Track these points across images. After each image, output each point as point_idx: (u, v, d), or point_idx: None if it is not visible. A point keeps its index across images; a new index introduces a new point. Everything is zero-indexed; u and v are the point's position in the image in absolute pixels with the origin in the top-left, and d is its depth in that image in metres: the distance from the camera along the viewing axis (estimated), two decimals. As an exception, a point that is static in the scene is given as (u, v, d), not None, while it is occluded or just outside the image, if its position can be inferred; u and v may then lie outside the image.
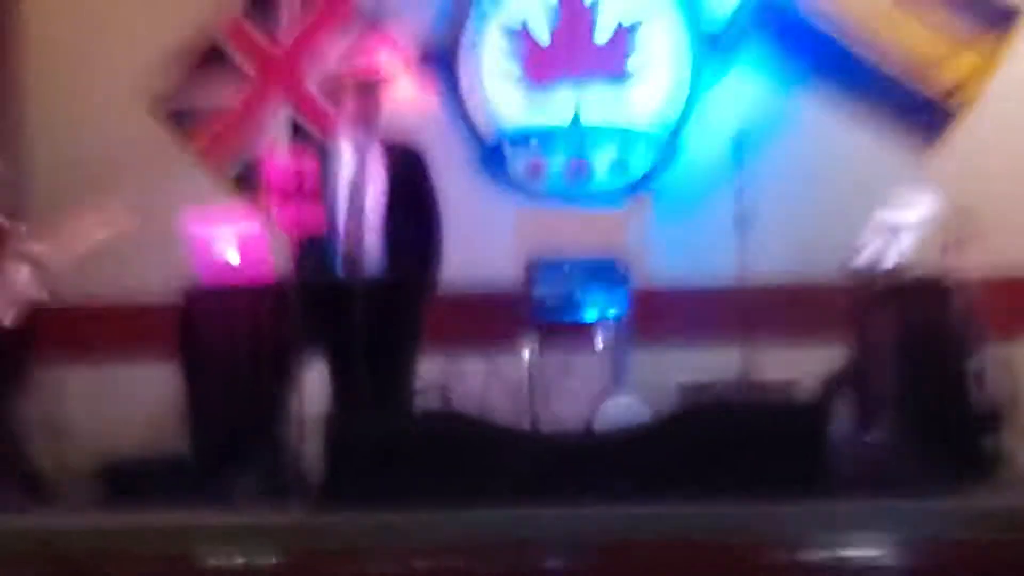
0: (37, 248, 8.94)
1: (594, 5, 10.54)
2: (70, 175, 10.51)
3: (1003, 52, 10.20)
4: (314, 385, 8.64)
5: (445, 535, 7.17)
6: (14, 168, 10.05)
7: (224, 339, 9.02)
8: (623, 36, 10.54)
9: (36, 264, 8.88)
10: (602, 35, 10.54)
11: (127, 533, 7.69)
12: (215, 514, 7.96)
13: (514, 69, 10.61)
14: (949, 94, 10.18)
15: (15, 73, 10.92)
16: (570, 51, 10.58)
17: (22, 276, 8.86)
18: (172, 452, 9.13)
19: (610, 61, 10.53)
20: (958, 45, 10.21)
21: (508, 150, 10.55)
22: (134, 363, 10.00)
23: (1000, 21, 10.17)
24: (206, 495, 8.30)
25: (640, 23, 10.49)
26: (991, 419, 8.54)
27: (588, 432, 8.99)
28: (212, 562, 7.16)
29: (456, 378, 9.63)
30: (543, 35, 10.60)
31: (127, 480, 8.88)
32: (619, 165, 10.46)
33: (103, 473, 8.95)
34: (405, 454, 7.85)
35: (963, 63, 10.21)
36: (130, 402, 10.03)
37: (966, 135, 10.19)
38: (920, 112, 10.18)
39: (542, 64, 10.61)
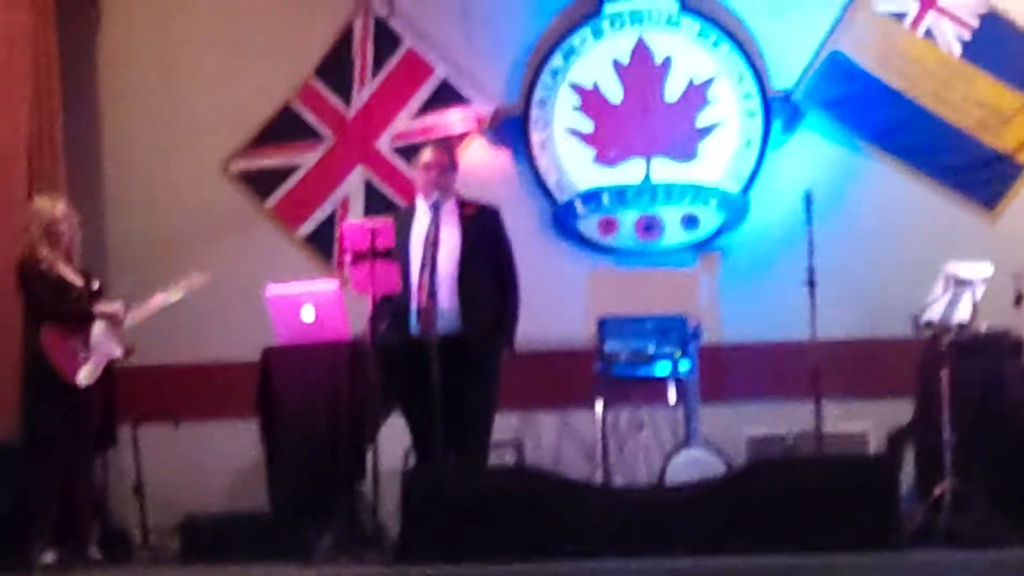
0: (113, 307, 9.06)
1: (665, 63, 10.63)
2: (146, 236, 10.82)
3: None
4: (392, 441, 8.86)
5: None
6: (93, 229, 10.08)
7: (302, 397, 9.24)
8: (693, 93, 10.61)
9: (112, 322, 9.00)
10: (672, 92, 10.61)
11: None
12: (295, 569, 8.26)
13: (585, 127, 10.68)
14: (1018, 150, 10.26)
15: (95, 136, 11.14)
16: (641, 108, 10.63)
17: (98, 333, 8.96)
18: (252, 508, 9.46)
19: (680, 118, 10.59)
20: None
21: (579, 208, 10.62)
22: (213, 421, 10.19)
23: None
24: (286, 550, 8.51)
25: (711, 80, 10.58)
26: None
27: (660, 486, 9.11)
28: None
29: (530, 433, 9.85)
30: (614, 93, 10.69)
31: (208, 536, 9.12)
32: (689, 222, 10.54)
33: (184, 529, 9.20)
34: (481, 509, 7.97)
35: (1029, 117, 10.26)
36: (210, 460, 10.25)
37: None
38: (988, 167, 10.28)
39: (613, 122, 10.68)
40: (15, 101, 10.38)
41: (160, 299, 9.22)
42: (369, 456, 8.64)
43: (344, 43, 10.97)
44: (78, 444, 9.01)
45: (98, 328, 8.94)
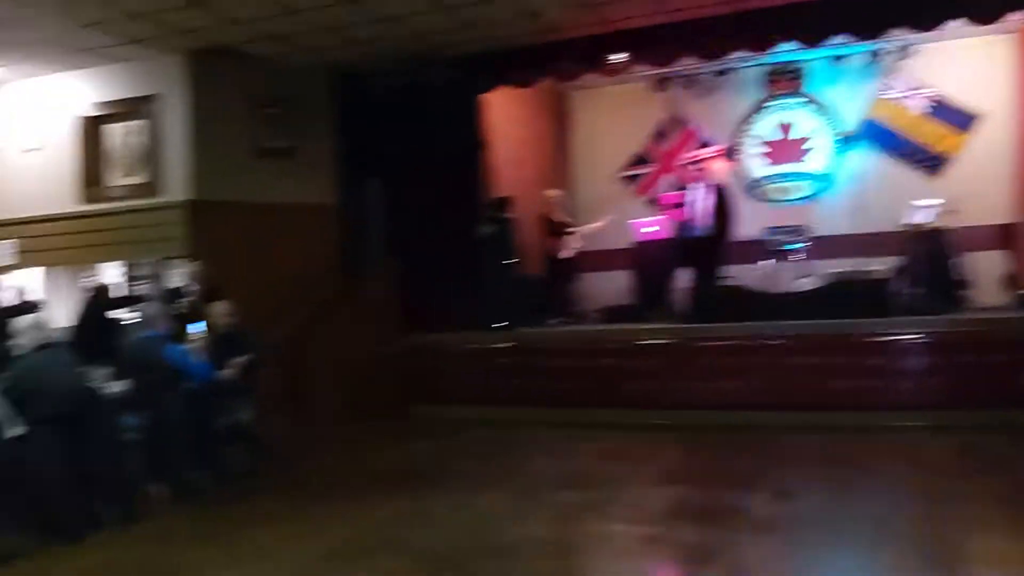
0: (580, 228, 9.53)
1: (791, 124, 10.39)
2: (588, 202, 10.65)
3: (969, 136, 9.84)
4: (682, 277, 8.93)
5: (736, 332, 7.64)
6: (569, 195, 10.49)
7: (649, 261, 9.52)
8: (803, 138, 10.37)
9: (575, 235, 9.46)
10: (795, 136, 10.39)
11: (608, 332, 8.50)
12: (644, 323, 8.63)
13: (761, 151, 10.56)
14: (944, 152, 9.96)
15: (570, 166, 11.27)
16: (783, 143, 10.45)
17: (569, 238, 9.38)
18: (626, 303, 9.41)
19: (798, 147, 10.40)
20: (948, 131, 9.93)
21: (760, 184, 10.51)
22: (613, 271, 9.96)
23: (967, 122, 9.85)
24: (641, 317, 8.90)
25: (816, 129, 10.31)
26: (959, 284, 8.51)
27: (793, 291, 8.74)
28: (640, 342, 7.88)
29: (739, 273, 9.12)
30: (772, 137, 10.49)
31: (609, 312, 9.31)
32: (807, 189, 10.36)
33: (603, 310, 9.43)
34: (721, 302, 8.26)
35: (952, 140, 9.94)
36: (610, 285, 9.93)
37: (952, 171, 9.85)
38: (931, 161, 9.98)
39: (773, 149, 10.51)
40: (541, 159, 10.70)
41: (594, 226, 9.66)
42: (674, 280, 8.93)
43: (662, 124, 10.88)
44: (560, 277, 9.46)
45: (570, 237, 9.43)
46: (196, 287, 7.28)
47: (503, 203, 9.07)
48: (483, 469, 6.39)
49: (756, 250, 9.52)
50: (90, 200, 8.86)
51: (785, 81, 10.45)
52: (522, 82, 9.39)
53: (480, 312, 8.78)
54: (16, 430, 4.53)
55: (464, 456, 6.99)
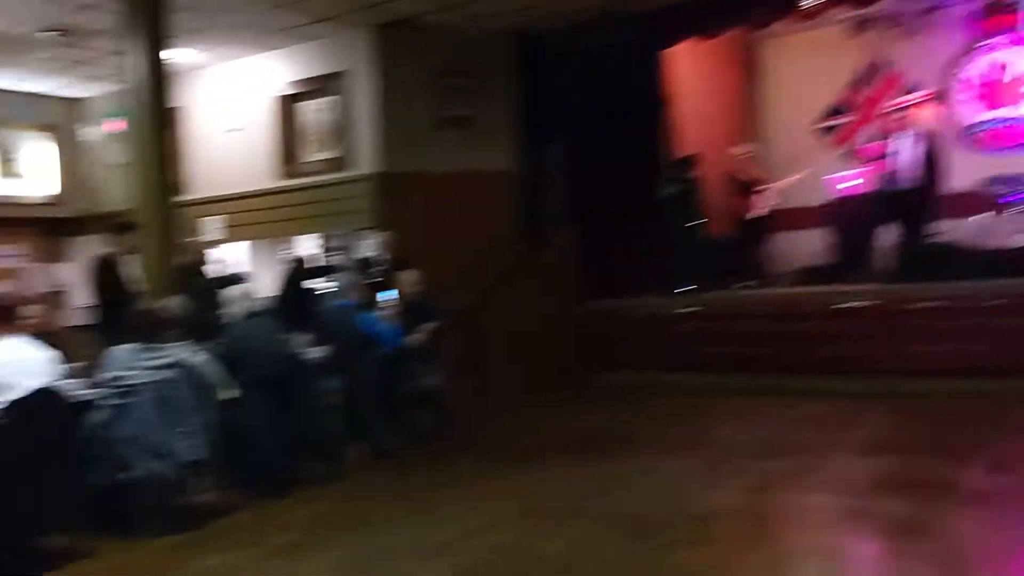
0: (775, 185, 9.52)
1: (1008, 64, 9.67)
2: (786, 155, 10.13)
3: None
4: (885, 234, 8.68)
5: (948, 292, 7.40)
6: (762, 150, 10.28)
7: (849, 218, 9.20)
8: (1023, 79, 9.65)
9: (772, 191, 9.42)
10: (1013, 76, 9.65)
11: (803, 294, 8.43)
12: (843, 285, 8.41)
13: (975, 94, 9.86)
14: None
15: (760, 118, 10.90)
16: (999, 85, 9.74)
17: (770, 195, 9.48)
18: (822, 263, 9.36)
19: (1017, 89, 9.66)
20: None
21: (974, 130, 9.81)
22: (812, 229, 9.65)
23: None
24: (840, 278, 8.75)
25: None
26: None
27: (1012, 247, 8.30)
28: (836, 305, 7.70)
29: (950, 228, 8.54)
30: (987, 79, 9.80)
31: (801, 273, 9.33)
32: None
33: (797, 272, 9.43)
34: (929, 260, 8.05)
35: None
36: (808, 246, 9.70)
37: None
38: None
39: (988, 93, 9.79)
40: (729, 113, 10.58)
41: (789, 180, 9.63)
42: (875, 238, 8.71)
43: (862, 70, 10.35)
44: (750, 238, 9.58)
45: (761, 195, 9.51)
46: (386, 256, 7.70)
47: (687, 162, 9.11)
48: (671, 436, 6.45)
49: (970, 203, 8.99)
50: (287, 176, 9.48)
51: (1001, 17, 9.77)
52: (708, 34, 9.29)
53: (664, 276, 8.88)
54: (231, 393, 4.91)
55: (650, 423, 7.06)
